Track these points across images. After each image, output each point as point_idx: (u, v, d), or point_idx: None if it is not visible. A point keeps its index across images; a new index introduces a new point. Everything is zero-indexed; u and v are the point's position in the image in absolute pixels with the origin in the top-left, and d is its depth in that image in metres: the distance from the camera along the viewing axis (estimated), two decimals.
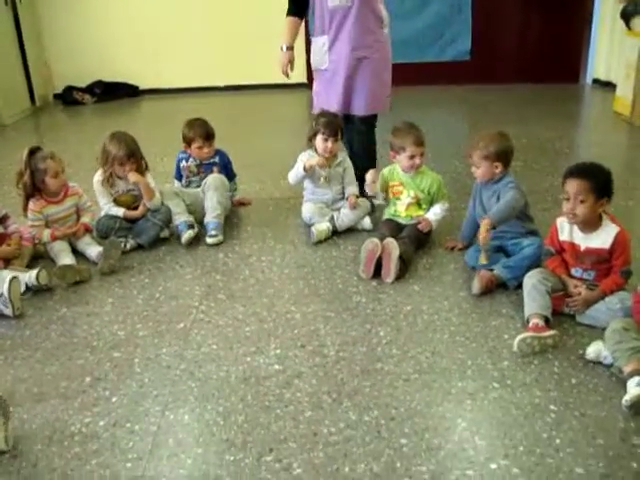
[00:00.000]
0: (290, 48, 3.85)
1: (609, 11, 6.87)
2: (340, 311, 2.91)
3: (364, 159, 3.91)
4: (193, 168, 3.81)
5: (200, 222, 3.68)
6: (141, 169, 3.58)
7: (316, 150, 3.71)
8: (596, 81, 7.20)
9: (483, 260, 3.04)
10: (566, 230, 2.82)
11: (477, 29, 7.13)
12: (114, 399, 2.36)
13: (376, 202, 3.65)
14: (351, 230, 3.70)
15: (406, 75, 7.00)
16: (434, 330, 2.75)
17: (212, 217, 3.61)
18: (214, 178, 3.70)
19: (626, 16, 5.87)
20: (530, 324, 2.64)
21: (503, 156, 3.13)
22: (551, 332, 2.60)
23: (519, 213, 3.11)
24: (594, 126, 6.23)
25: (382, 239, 3.18)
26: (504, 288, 3.05)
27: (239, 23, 7.20)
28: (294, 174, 3.73)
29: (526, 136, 5.43)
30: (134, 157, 3.51)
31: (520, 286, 2.98)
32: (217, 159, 3.85)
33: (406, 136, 3.40)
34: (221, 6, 7.18)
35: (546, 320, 2.66)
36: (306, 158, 3.73)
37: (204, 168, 3.81)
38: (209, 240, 3.55)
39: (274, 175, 4.64)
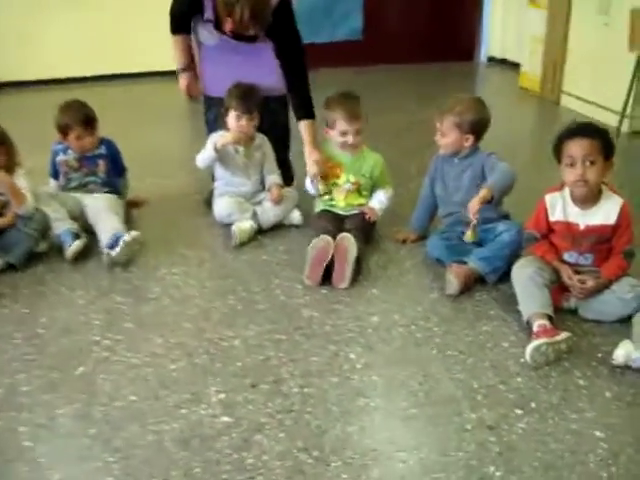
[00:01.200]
0: (184, 69, 3.24)
1: None
2: (291, 331, 2.26)
3: (279, 144, 3.26)
4: (73, 162, 3.00)
5: (87, 230, 2.87)
6: (11, 165, 2.74)
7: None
8: (491, 59, 6.94)
9: (471, 237, 2.51)
10: (558, 207, 2.33)
11: (368, 6, 6.65)
12: None
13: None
14: (277, 227, 3.05)
15: None
16: (416, 345, 2.17)
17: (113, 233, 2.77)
18: (95, 206, 2.91)
19: None
20: (536, 327, 2.12)
21: (477, 128, 2.61)
22: (563, 335, 2.10)
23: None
24: (501, 103, 5.90)
25: (332, 235, 2.56)
26: (481, 284, 2.52)
27: (109, 8, 6.28)
28: (203, 156, 3.03)
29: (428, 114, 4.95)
30: (2, 147, 2.69)
31: (500, 280, 2.49)
32: (103, 150, 3.06)
33: (337, 108, 2.80)
34: None
35: (549, 319, 2.15)
36: (217, 138, 3.04)
37: (87, 162, 3.01)
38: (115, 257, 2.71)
39: (165, 169, 3.87)
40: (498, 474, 1.63)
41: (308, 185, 2.90)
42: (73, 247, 2.72)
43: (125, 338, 2.23)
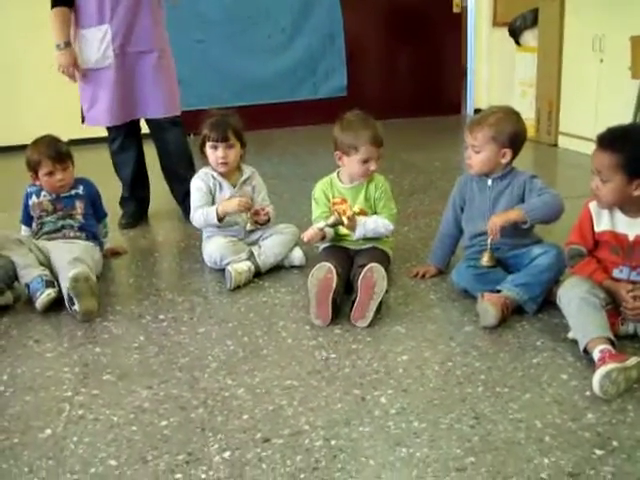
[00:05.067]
0: (69, 44, 3.11)
1: (484, 40, 6.57)
2: (304, 376, 1.88)
3: (185, 164, 3.29)
4: (47, 205, 2.65)
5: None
6: None
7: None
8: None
9: (487, 261, 2.20)
10: (605, 216, 2.01)
11: (352, 63, 6.52)
12: None
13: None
14: (276, 269, 2.69)
15: (277, 116, 6.27)
16: (458, 383, 1.80)
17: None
18: (62, 258, 2.46)
19: (515, 32, 5.49)
20: (598, 354, 1.76)
21: (516, 141, 2.28)
22: (633, 360, 1.75)
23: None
24: None
25: (335, 267, 2.22)
26: (518, 314, 2.17)
27: None
28: (203, 219, 2.68)
29: (429, 160, 4.70)
30: None
31: (539, 310, 2.16)
32: (81, 190, 2.71)
33: (361, 132, 2.44)
34: None
35: (612, 344, 1.80)
36: (205, 186, 2.72)
37: (62, 203, 2.65)
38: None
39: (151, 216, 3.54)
40: None
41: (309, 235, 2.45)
42: (44, 296, 2.33)
43: (103, 393, 1.84)
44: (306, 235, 2.43)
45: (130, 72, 3.15)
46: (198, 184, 2.74)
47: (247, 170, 2.80)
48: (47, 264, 2.50)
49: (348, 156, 2.47)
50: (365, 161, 2.45)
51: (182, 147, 3.33)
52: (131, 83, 3.17)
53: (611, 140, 1.95)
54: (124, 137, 3.33)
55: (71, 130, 4.52)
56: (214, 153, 2.69)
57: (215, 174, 2.73)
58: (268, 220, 2.72)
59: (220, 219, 2.64)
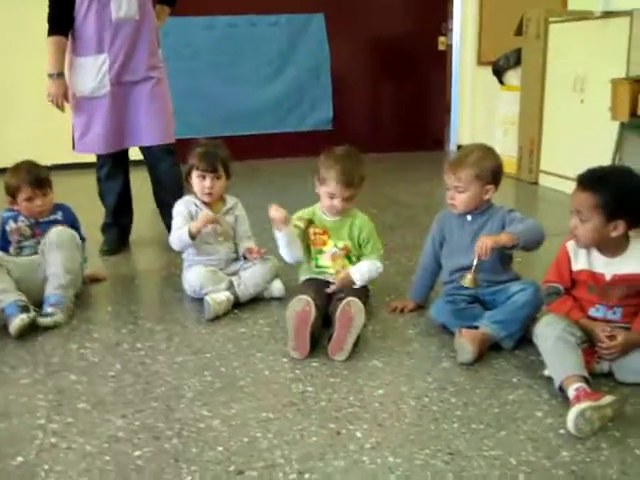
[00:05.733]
0: (62, 75, 3.13)
1: (468, 78, 6.68)
2: (280, 408, 1.88)
3: (177, 193, 3.12)
4: (25, 230, 2.64)
5: (38, 304, 2.48)
6: None
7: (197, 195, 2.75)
8: (460, 147, 6.92)
9: (470, 282, 2.20)
10: (582, 256, 2.04)
11: (338, 96, 6.60)
12: None
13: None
14: (255, 300, 2.69)
15: (262, 146, 6.32)
16: (434, 419, 1.80)
17: (53, 288, 2.46)
18: (58, 233, 2.57)
19: (498, 71, 5.59)
20: (573, 392, 1.78)
21: (498, 177, 2.33)
22: (608, 398, 1.77)
23: (504, 256, 2.32)
24: None
25: (314, 299, 2.22)
26: (495, 350, 2.19)
27: None
28: (178, 239, 2.68)
29: (412, 195, 4.75)
30: None
31: (515, 347, 2.18)
32: (59, 216, 2.71)
33: (332, 167, 2.45)
34: None
35: (587, 382, 1.82)
36: (186, 210, 2.72)
37: (42, 228, 2.65)
38: (41, 320, 2.38)
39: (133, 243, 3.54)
40: None
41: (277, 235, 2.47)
42: (17, 321, 2.32)
43: (78, 421, 1.82)
44: (273, 210, 2.40)
45: (125, 101, 3.18)
46: (180, 208, 2.75)
47: (230, 200, 2.81)
48: (29, 284, 2.51)
49: (320, 187, 2.50)
50: (331, 196, 2.47)
51: (175, 177, 3.31)
52: (125, 112, 3.20)
53: (591, 180, 1.98)
54: (112, 165, 3.35)
55: (57, 155, 4.58)
56: (201, 182, 2.70)
57: (198, 202, 2.74)
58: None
59: (192, 237, 2.62)
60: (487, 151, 2.36)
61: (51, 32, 3.06)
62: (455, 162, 2.35)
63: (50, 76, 3.09)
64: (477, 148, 2.39)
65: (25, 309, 2.36)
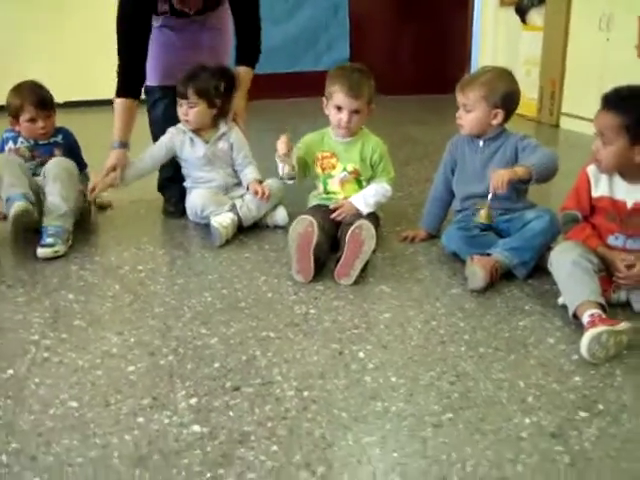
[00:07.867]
0: (124, 145, 2.60)
1: (490, 19, 6.44)
2: (281, 328, 1.81)
3: None
4: (25, 151, 2.56)
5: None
6: None
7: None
8: None
9: (484, 218, 2.11)
10: (603, 181, 1.93)
11: (356, 35, 6.40)
12: None
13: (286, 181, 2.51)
14: (259, 228, 2.61)
15: (277, 86, 6.15)
16: (441, 343, 1.72)
17: (52, 219, 2.37)
18: (56, 163, 2.48)
19: (522, 10, 5.37)
20: (588, 317, 1.69)
21: (509, 101, 2.20)
22: (624, 324, 1.67)
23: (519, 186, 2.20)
24: None
25: (318, 221, 2.13)
26: (507, 279, 2.10)
27: (73, 33, 5.92)
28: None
29: (429, 134, 4.60)
30: None
31: (530, 276, 2.08)
32: (60, 138, 2.63)
33: (338, 79, 2.35)
34: (53, 15, 5.83)
35: (603, 310, 1.72)
36: (170, 143, 2.67)
37: (41, 150, 2.57)
38: (40, 251, 2.29)
39: None
40: None
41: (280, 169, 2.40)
42: (16, 207, 2.25)
43: (72, 337, 1.76)
44: (281, 142, 2.31)
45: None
46: (163, 139, 2.67)
47: (223, 126, 2.69)
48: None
49: (328, 102, 2.40)
50: (338, 108, 2.36)
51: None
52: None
53: (616, 100, 1.85)
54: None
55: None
56: (179, 109, 2.61)
57: (186, 129, 2.64)
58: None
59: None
60: (502, 73, 2.23)
61: (120, 93, 2.59)
62: (467, 80, 2.23)
63: (112, 144, 2.61)
64: (493, 69, 2.26)
65: (27, 198, 2.30)
